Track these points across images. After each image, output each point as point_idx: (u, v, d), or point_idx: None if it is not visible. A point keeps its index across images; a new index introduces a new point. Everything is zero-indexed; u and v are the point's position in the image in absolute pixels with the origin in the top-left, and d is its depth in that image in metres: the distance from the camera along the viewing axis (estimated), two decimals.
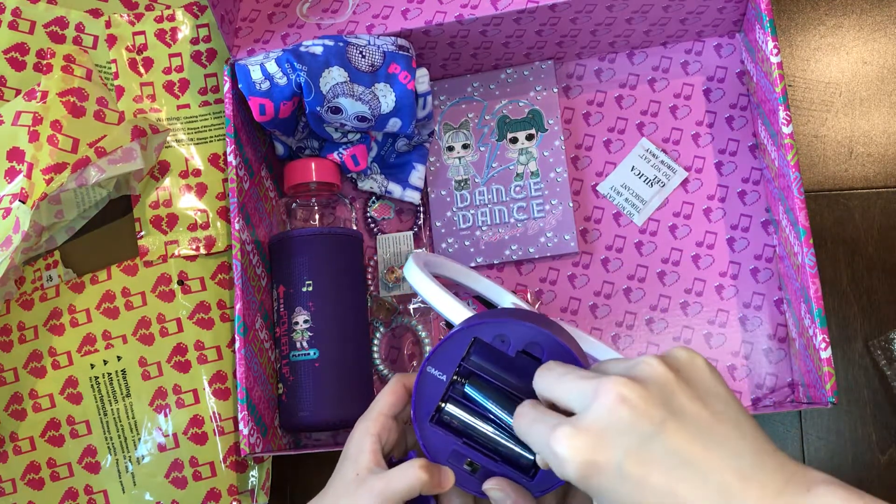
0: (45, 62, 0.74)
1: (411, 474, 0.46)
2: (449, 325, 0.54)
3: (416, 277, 0.58)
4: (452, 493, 0.48)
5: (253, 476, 0.69)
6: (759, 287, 0.68)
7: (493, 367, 0.46)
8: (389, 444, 0.50)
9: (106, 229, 0.74)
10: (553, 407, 0.42)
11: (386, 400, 0.51)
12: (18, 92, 0.73)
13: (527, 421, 0.41)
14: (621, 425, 0.36)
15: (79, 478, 0.69)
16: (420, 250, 0.72)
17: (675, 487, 0.35)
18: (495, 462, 0.47)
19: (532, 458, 0.46)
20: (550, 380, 0.41)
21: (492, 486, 0.46)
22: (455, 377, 0.47)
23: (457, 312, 0.54)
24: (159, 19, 0.76)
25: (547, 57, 0.73)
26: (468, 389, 0.47)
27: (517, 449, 0.46)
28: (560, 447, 0.37)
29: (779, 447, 0.37)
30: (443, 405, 0.47)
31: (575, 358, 0.45)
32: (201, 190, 0.73)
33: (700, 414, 0.37)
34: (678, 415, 0.36)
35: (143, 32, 0.75)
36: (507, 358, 0.46)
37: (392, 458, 0.51)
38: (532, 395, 0.44)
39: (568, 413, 0.40)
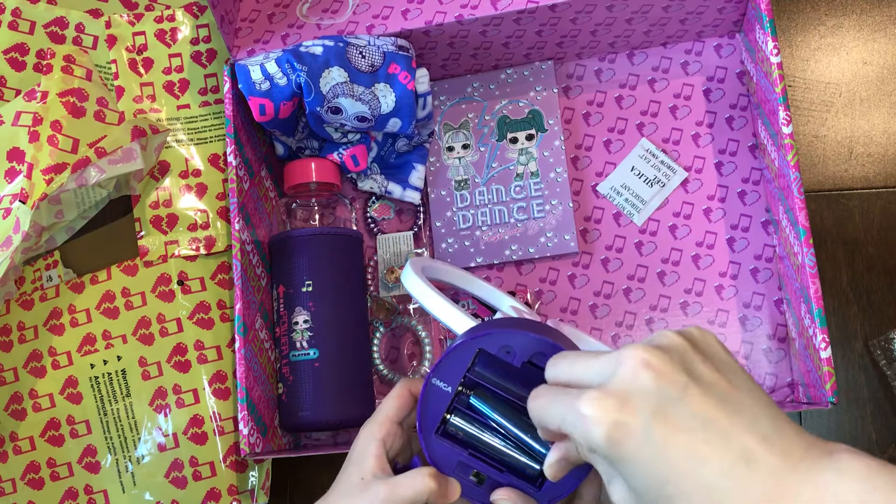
0: (45, 62, 0.74)
1: (420, 482, 0.46)
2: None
3: (415, 286, 0.57)
4: None
5: (253, 476, 0.69)
6: (759, 287, 0.68)
7: (498, 377, 0.46)
8: (394, 449, 0.50)
9: (106, 229, 0.74)
10: None
11: (392, 405, 0.50)
12: (18, 92, 0.73)
13: (546, 399, 0.41)
14: (646, 388, 0.36)
15: (79, 478, 0.69)
16: (420, 250, 0.72)
17: (699, 450, 0.35)
18: (501, 473, 0.47)
19: (539, 467, 0.46)
20: (568, 361, 0.41)
21: (501, 497, 0.46)
22: (460, 388, 0.47)
23: (458, 321, 0.53)
24: (159, 19, 0.76)
25: (547, 57, 0.73)
26: (473, 401, 0.47)
27: (524, 459, 0.46)
28: (589, 408, 0.37)
29: None
30: (448, 417, 0.47)
31: None
32: (201, 190, 0.73)
33: (719, 382, 0.37)
34: (699, 381, 0.37)
35: (143, 33, 0.75)
36: (512, 369, 0.46)
37: (397, 464, 0.50)
38: None
39: None
